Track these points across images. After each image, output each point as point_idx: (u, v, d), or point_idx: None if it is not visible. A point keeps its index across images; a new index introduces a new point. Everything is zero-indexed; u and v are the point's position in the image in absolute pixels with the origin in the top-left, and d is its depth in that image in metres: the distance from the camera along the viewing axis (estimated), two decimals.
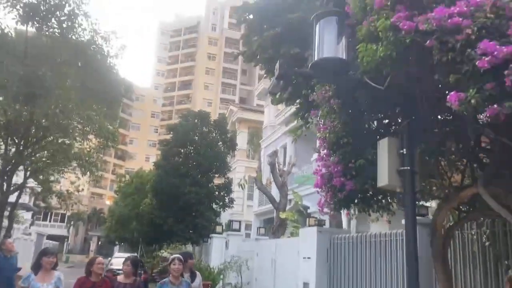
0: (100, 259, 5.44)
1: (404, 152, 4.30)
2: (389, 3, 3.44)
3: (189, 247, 21.11)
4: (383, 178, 4.36)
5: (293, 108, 9.20)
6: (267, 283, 13.37)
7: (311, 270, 9.41)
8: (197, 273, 6.78)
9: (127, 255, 9.14)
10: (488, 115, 2.92)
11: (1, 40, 13.15)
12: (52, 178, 19.44)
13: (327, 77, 4.65)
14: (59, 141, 16.06)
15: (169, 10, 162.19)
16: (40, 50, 13.71)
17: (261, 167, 20.86)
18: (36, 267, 5.17)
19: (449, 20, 3.05)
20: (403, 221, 7.09)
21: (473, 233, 6.09)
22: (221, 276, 15.14)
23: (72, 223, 57.70)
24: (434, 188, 5.57)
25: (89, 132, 16.56)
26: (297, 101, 7.48)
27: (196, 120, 22.39)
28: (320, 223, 10.48)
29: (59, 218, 57.84)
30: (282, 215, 15.65)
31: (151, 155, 70.02)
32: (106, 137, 16.65)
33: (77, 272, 8.95)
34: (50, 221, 57.74)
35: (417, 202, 6.15)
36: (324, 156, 5.31)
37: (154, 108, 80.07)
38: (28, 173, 16.72)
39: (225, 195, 21.30)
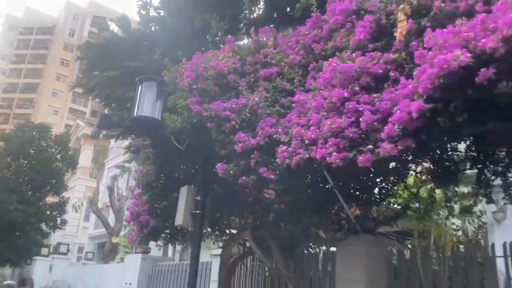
0: None
1: (198, 199, 5.36)
2: (187, 88, 4.50)
3: (7, 269, 19.28)
4: (179, 218, 5.35)
5: None
6: None
7: None
8: None
9: None
10: (240, 182, 4.12)
11: None
12: None
13: (143, 132, 5.51)
14: None
15: (19, 2, 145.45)
16: None
17: (99, 189, 20.50)
18: None
19: (223, 112, 4.20)
20: (211, 252, 8.23)
21: (259, 264, 7.49)
22: None
23: None
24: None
25: None
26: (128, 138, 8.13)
27: (34, 133, 20.97)
28: (145, 251, 11.10)
29: None
30: (114, 240, 15.72)
31: None
32: None
33: None
34: None
35: (218, 238, 7.34)
36: (137, 195, 6.11)
37: None
38: None
39: (58, 215, 20.19)
